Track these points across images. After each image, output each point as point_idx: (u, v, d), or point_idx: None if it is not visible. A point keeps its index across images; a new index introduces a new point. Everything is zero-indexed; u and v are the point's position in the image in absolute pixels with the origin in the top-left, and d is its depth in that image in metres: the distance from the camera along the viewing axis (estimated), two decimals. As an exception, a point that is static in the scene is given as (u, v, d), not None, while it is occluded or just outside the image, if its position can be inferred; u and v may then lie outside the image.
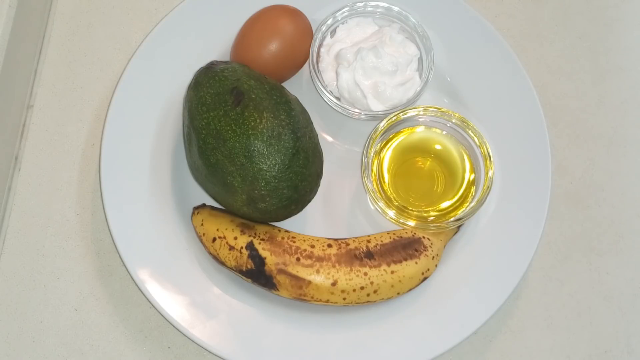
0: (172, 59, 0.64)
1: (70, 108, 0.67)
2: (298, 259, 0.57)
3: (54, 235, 0.64)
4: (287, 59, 0.63)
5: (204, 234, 0.59)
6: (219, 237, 0.58)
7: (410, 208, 0.62)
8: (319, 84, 0.64)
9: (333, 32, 0.65)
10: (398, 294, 0.59)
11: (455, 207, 0.62)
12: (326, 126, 0.66)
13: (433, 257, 0.59)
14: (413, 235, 0.60)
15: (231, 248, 0.58)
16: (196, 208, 0.61)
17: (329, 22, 0.65)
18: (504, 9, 0.72)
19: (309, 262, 0.57)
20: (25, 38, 0.66)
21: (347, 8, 0.65)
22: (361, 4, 0.65)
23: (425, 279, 0.59)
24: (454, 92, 0.66)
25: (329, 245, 0.59)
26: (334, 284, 0.57)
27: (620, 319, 0.63)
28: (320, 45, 0.65)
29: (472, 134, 0.62)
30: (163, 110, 0.64)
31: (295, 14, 0.63)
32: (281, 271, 0.57)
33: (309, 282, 0.57)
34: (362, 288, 0.57)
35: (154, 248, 0.60)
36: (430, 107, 0.62)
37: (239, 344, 0.58)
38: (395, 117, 0.62)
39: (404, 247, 0.59)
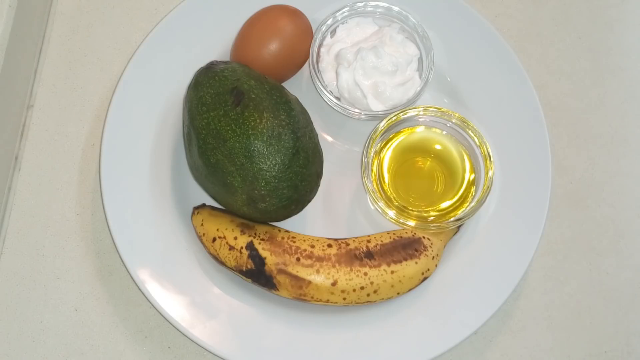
0: (172, 58, 0.64)
1: (70, 108, 0.67)
2: (298, 259, 0.57)
3: (54, 235, 0.64)
4: (287, 59, 0.63)
5: (204, 234, 0.59)
6: (219, 237, 0.58)
7: (410, 208, 0.62)
8: (319, 84, 0.64)
9: (333, 32, 0.65)
10: (398, 294, 0.59)
11: (455, 207, 0.62)
12: (326, 126, 0.66)
13: (433, 257, 0.59)
14: (413, 235, 0.60)
15: (231, 248, 0.58)
16: (196, 208, 0.61)
17: (329, 22, 0.65)
18: (504, 9, 0.72)
19: (309, 262, 0.57)
20: (25, 38, 0.66)
21: (347, 8, 0.65)
22: (361, 4, 0.65)
23: (425, 279, 0.59)
24: (454, 92, 0.66)
25: (329, 245, 0.59)
26: (334, 284, 0.57)
27: (620, 319, 0.63)
28: (320, 45, 0.65)
29: (472, 134, 0.62)
30: (163, 110, 0.64)
31: (295, 14, 0.63)
32: (281, 271, 0.57)
33: (309, 282, 0.57)
34: (362, 288, 0.57)
35: (154, 248, 0.60)
36: (430, 107, 0.62)
37: (239, 344, 0.58)
38: (395, 117, 0.62)
39: (404, 247, 0.59)
